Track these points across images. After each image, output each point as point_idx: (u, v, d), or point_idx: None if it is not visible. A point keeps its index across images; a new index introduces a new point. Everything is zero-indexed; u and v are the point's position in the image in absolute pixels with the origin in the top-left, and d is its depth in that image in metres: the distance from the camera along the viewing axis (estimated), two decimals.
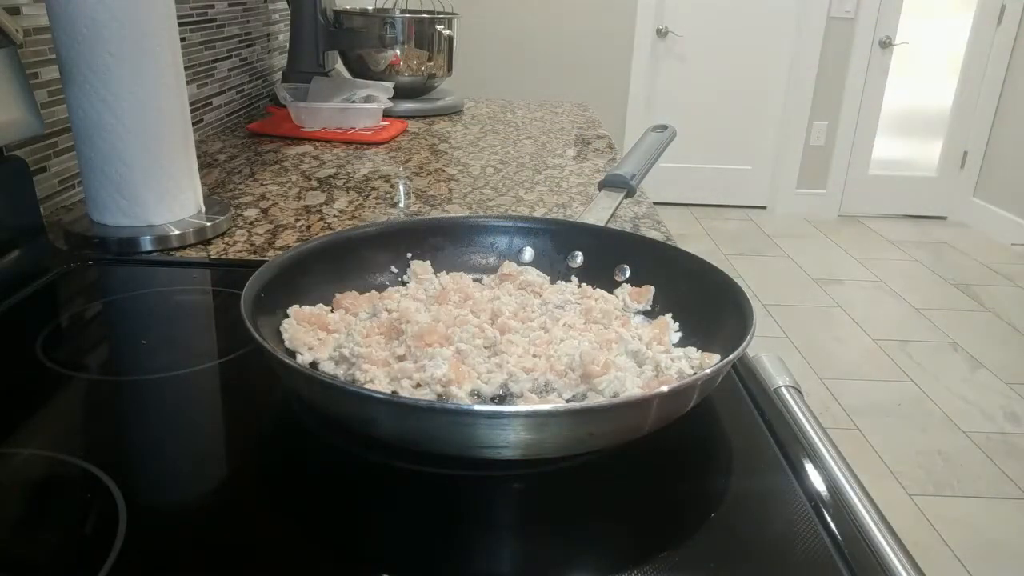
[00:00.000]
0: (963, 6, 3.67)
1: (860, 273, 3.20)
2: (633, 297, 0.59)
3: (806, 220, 3.90)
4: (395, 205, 0.91)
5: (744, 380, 0.52)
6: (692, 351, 0.50)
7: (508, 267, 0.62)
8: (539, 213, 0.89)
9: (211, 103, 1.25)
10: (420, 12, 1.52)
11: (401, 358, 0.47)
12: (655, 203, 3.04)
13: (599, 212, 0.69)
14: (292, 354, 0.48)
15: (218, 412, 0.49)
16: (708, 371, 0.41)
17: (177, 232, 0.74)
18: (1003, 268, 3.26)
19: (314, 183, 0.98)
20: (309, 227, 0.81)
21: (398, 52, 1.46)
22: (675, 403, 0.41)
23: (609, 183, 0.74)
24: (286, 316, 0.52)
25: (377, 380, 0.45)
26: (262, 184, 0.97)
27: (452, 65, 1.55)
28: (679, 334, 0.54)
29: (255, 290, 0.49)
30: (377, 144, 1.22)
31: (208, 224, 0.76)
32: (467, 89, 1.74)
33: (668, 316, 0.55)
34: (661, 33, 3.71)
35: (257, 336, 0.42)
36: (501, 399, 0.46)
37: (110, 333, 0.60)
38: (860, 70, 3.73)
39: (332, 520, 0.38)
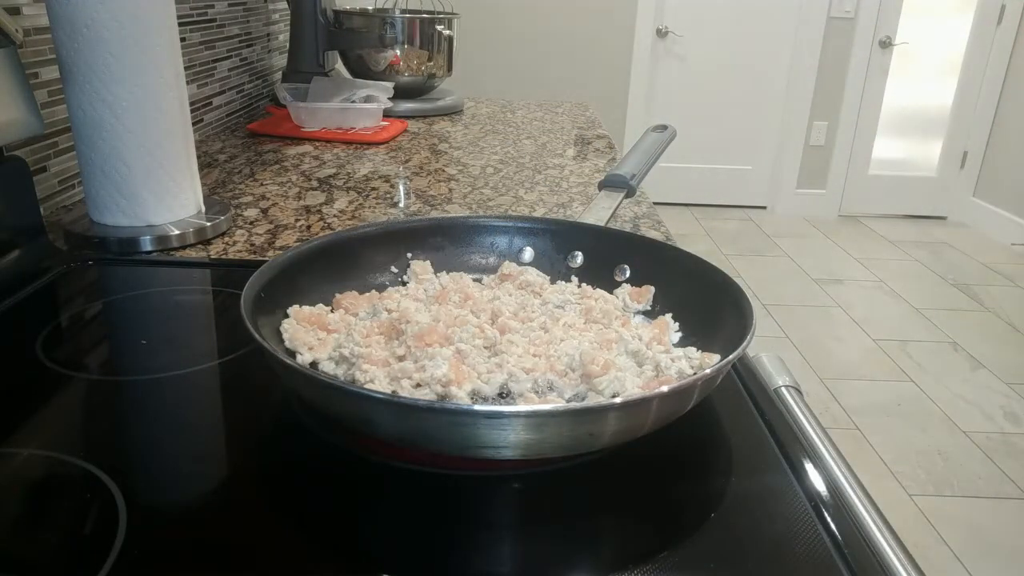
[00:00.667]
0: (963, 6, 3.67)
1: (860, 273, 3.20)
2: (633, 297, 0.59)
3: (806, 220, 3.90)
4: (395, 205, 0.91)
5: (744, 380, 0.52)
6: (692, 351, 0.50)
7: (508, 267, 0.62)
8: (539, 213, 0.89)
9: (211, 103, 1.25)
10: (420, 12, 1.52)
11: (401, 358, 0.47)
12: (655, 203, 3.04)
13: (599, 212, 0.69)
14: (292, 354, 0.48)
15: (218, 412, 0.49)
16: (708, 371, 0.41)
17: (177, 232, 0.74)
18: (1003, 268, 3.26)
19: (314, 183, 0.98)
20: (309, 227, 0.81)
21: (398, 52, 1.46)
22: (675, 403, 0.41)
23: (609, 183, 0.74)
24: (286, 316, 0.52)
25: (377, 380, 0.45)
26: (262, 184, 0.97)
27: (452, 65, 1.55)
28: (679, 334, 0.54)
29: (255, 290, 0.49)
30: (377, 144, 1.22)
31: (208, 224, 0.76)
32: (467, 89, 1.74)
33: (668, 316, 0.55)
34: (661, 33, 3.71)
35: (257, 336, 0.42)
36: (501, 397, 0.46)
37: (110, 333, 0.60)
38: (860, 70, 3.73)
39: (332, 520, 0.38)
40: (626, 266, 0.61)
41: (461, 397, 0.43)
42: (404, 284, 0.61)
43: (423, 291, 0.58)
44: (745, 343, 0.44)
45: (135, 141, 0.70)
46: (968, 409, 2.17)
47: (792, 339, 2.58)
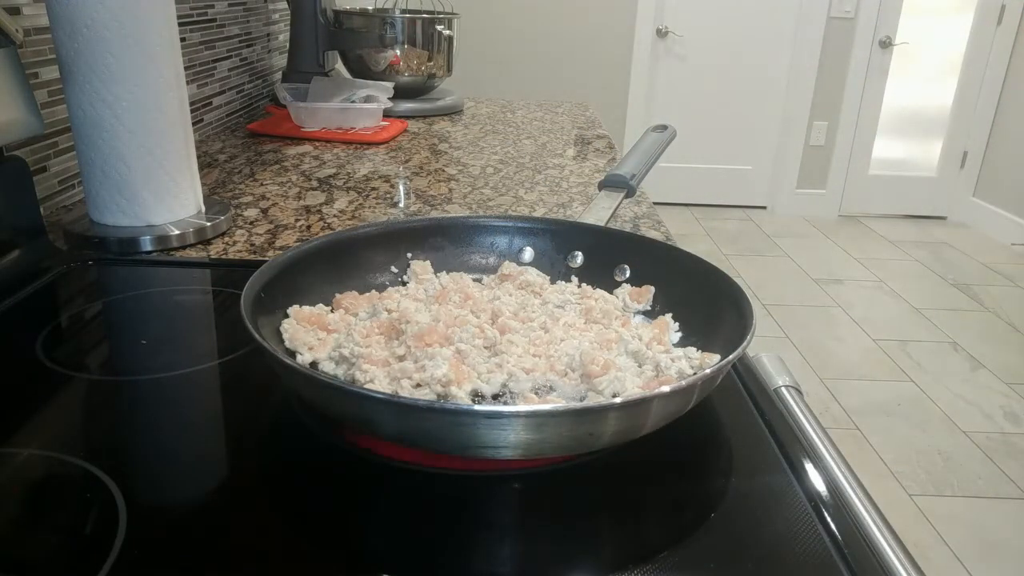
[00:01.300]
0: (963, 6, 3.67)
1: (860, 273, 3.20)
2: (633, 297, 0.59)
3: (806, 220, 3.90)
4: (395, 205, 0.91)
5: (744, 380, 0.52)
6: (692, 351, 0.50)
7: (508, 267, 0.62)
8: (539, 213, 0.89)
9: (211, 103, 1.25)
10: (420, 12, 1.52)
11: (401, 358, 0.47)
12: (655, 203, 3.03)
13: (599, 212, 0.69)
14: (292, 354, 0.48)
15: (218, 412, 0.49)
16: (708, 371, 0.41)
17: (177, 232, 0.74)
18: (1003, 268, 3.26)
19: (314, 183, 0.98)
20: (309, 227, 0.81)
21: (398, 52, 1.46)
22: (675, 403, 0.41)
23: (609, 183, 0.74)
24: (286, 316, 0.52)
25: (377, 380, 0.45)
26: (262, 184, 0.97)
27: (452, 65, 1.55)
28: (679, 334, 0.54)
29: (255, 290, 0.49)
30: (377, 144, 1.22)
31: (208, 224, 0.76)
32: (467, 89, 1.74)
33: (668, 316, 0.55)
34: (661, 33, 3.71)
35: (257, 336, 0.42)
36: (495, 399, 0.46)
37: (110, 333, 0.60)
38: (860, 70, 3.72)
39: (332, 520, 0.38)
40: (626, 266, 0.61)
41: (461, 397, 0.43)
42: (404, 284, 0.61)
43: (423, 291, 0.58)
44: (745, 343, 0.44)
45: (135, 141, 0.70)
46: (968, 409, 2.17)
47: (792, 339, 2.58)
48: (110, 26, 0.66)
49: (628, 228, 0.83)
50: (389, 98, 1.30)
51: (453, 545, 0.37)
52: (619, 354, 0.49)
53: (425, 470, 0.42)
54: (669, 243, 0.68)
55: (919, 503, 1.77)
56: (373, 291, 0.58)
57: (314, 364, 0.48)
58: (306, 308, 0.52)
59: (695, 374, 0.47)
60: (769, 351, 0.54)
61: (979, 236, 3.69)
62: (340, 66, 1.55)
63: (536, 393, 0.46)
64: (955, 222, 3.90)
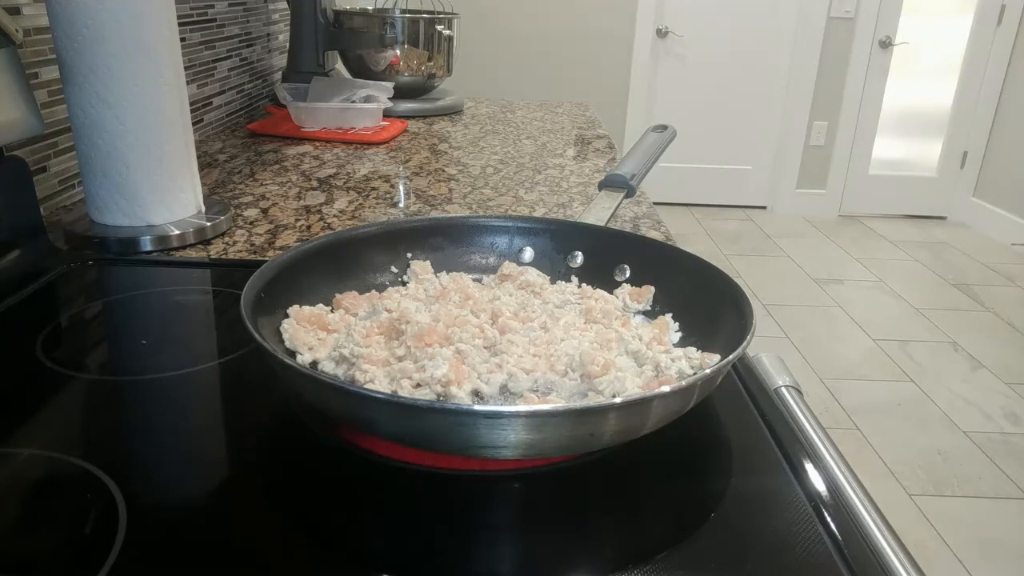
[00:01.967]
0: (963, 6, 3.67)
1: (860, 273, 3.20)
2: (633, 297, 0.59)
3: (806, 220, 3.90)
4: (395, 205, 0.91)
5: (744, 380, 0.52)
6: (692, 351, 0.50)
7: (508, 267, 0.62)
8: (539, 213, 0.89)
9: (211, 103, 1.25)
10: (420, 12, 1.52)
11: (401, 358, 0.47)
12: (655, 203, 3.03)
13: (599, 212, 0.69)
14: (292, 354, 0.48)
15: (218, 412, 0.49)
16: (708, 371, 0.41)
17: (177, 232, 0.74)
18: (1003, 268, 3.26)
19: (314, 183, 0.98)
20: (309, 227, 0.81)
21: (398, 52, 1.46)
22: (675, 403, 0.41)
23: (609, 183, 0.74)
24: (286, 316, 0.52)
25: (377, 380, 0.45)
26: (262, 184, 0.97)
27: (452, 65, 1.55)
28: (679, 334, 0.54)
29: (255, 290, 0.49)
30: (377, 144, 1.22)
31: (208, 224, 0.76)
32: (467, 89, 1.74)
33: (668, 316, 0.55)
34: (661, 33, 3.71)
35: (257, 336, 0.42)
36: (500, 395, 0.46)
37: (110, 333, 0.60)
38: (860, 70, 3.72)
39: (332, 520, 0.38)
40: (626, 266, 0.61)
41: (461, 397, 0.43)
42: (404, 284, 0.61)
43: (423, 291, 0.58)
44: (745, 343, 0.44)
45: (135, 141, 0.70)
46: (968, 409, 2.17)
47: (792, 339, 2.58)
48: (110, 26, 0.66)
49: (628, 228, 0.83)
50: (389, 98, 1.30)
51: (453, 545, 0.37)
52: (619, 354, 0.49)
53: (425, 470, 0.42)
54: (669, 243, 0.68)
55: (919, 503, 1.77)
56: (373, 291, 0.58)
57: (314, 364, 0.48)
58: (306, 308, 0.52)
59: (695, 374, 0.47)
60: (769, 351, 0.54)
61: (979, 236, 3.69)
62: (340, 66, 1.55)
63: (536, 393, 0.46)
64: (955, 222, 3.90)
